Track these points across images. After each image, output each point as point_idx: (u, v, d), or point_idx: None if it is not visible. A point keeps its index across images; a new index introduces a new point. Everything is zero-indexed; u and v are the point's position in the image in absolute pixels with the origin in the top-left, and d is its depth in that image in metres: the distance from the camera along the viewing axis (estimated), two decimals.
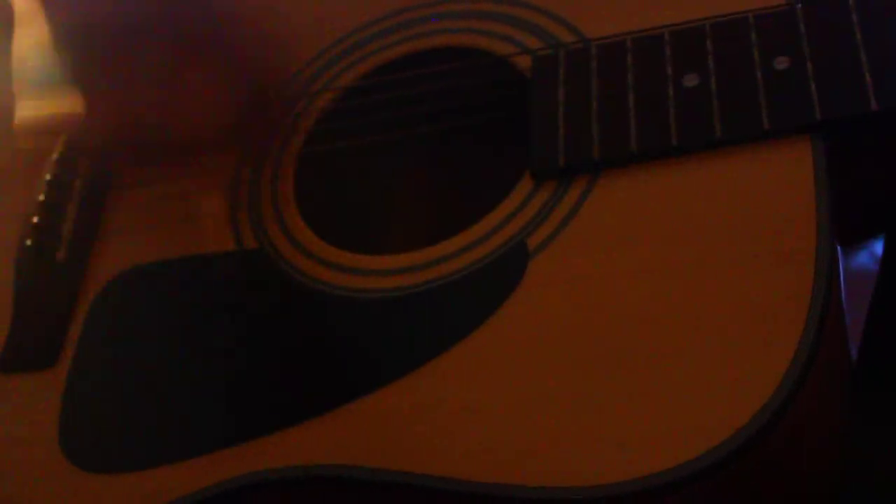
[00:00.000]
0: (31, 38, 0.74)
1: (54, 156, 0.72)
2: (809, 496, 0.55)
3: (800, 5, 0.59)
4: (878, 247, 0.77)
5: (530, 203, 0.59)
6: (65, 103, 0.70)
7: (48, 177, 0.71)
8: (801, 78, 0.57)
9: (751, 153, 0.56)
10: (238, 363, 0.60)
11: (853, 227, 0.64)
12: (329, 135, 0.68)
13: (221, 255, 0.65)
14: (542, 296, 0.55)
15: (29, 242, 0.69)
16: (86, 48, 0.64)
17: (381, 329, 0.58)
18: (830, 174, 0.54)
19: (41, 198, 0.70)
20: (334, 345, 0.59)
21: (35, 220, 0.69)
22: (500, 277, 0.57)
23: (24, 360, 0.65)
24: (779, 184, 0.55)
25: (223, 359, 0.61)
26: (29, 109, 0.74)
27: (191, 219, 0.67)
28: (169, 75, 0.63)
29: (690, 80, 0.59)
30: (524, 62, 0.65)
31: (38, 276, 0.68)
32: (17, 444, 0.63)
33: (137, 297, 0.66)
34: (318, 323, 0.60)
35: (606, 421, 0.51)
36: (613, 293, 0.54)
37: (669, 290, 0.53)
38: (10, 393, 0.65)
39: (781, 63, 0.58)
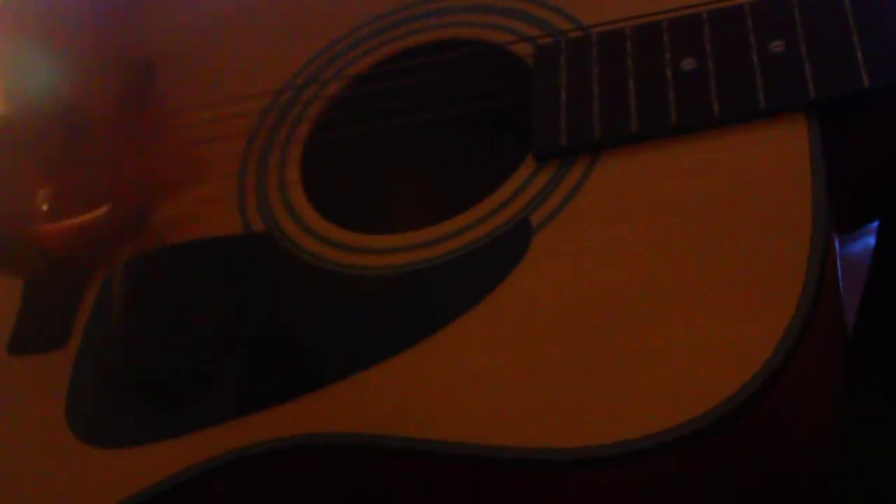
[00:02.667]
0: None
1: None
2: (802, 472, 0.56)
3: None
4: (871, 238, 0.79)
5: (533, 182, 0.61)
6: None
7: None
8: (796, 60, 0.58)
9: (748, 131, 0.58)
10: (247, 341, 0.61)
11: (847, 213, 0.65)
12: (336, 121, 0.70)
13: (229, 238, 0.66)
14: (545, 267, 0.57)
15: None
16: None
17: (388, 303, 0.59)
18: (826, 156, 0.56)
19: None
20: (342, 320, 0.60)
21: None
22: (504, 252, 0.58)
23: (34, 341, 0.66)
24: (775, 160, 0.56)
25: (232, 338, 0.62)
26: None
27: (198, 203, 0.68)
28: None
29: (688, 64, 0.60)
30: (525, 51, 0.66)
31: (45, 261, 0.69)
32: (25, 422, 0.64)
33: (145, 280, 0.67)
34: (326, 300, 0.61)
35: (606, 385, 0.52)
36: (615, 263, 0.55)
37: (669, 261, 0.55)
38: (20, 374, 0.66)
39: (777, 46, 0.59)
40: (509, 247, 0.58)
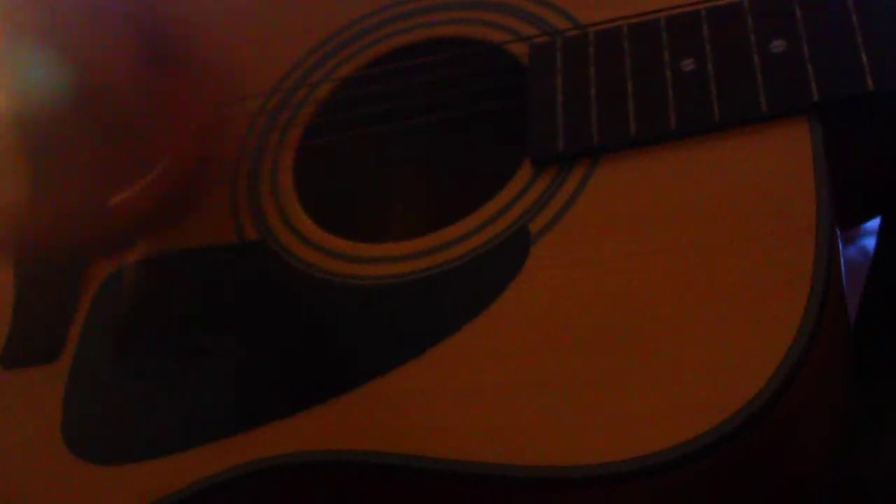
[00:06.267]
0: None
1: None
2: (811, 480, 0.56)
3: None
4: (868, 241, 0.78)
5: (531, 189, 0.60)
6: None
7: None
8: (798, 60, 0.57)
9: (749, 135, 0.57)
10: (241, 353, 0.61)
11: (849, 209, 0.65)
12: (328, 125, 0.69)
13: (222, 246, 0.65)
14: (544, 279, 0.56)
15: None
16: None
17: (385, 315, 0.58)
18: (828, 158, 0.55)
19: None
20: (338, 332, 0.59)
21: None
22: (502, 262, 0.57)
23: (27, 354, 0.66)
24: (778, 164, 0.55)
25: (226, 349, 0.61)
26: None
27: (191, 211, 0.67)
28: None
29: (687, 65, 0.59)
30: (521, 50, 0.65)
31: (38, 270, 0.68)
32: (20, 437, 0.63)
33: (139, 290, 0.66)
34: (321, 310, 0.60)
35: (610, 399, 0.51)
36: (615, 274, 0.54)
37: (671, 269, 0.54)
38: (13, 388, 0.65)
39: (778, 46, 0.58)
40: (508, 257, 0.57)
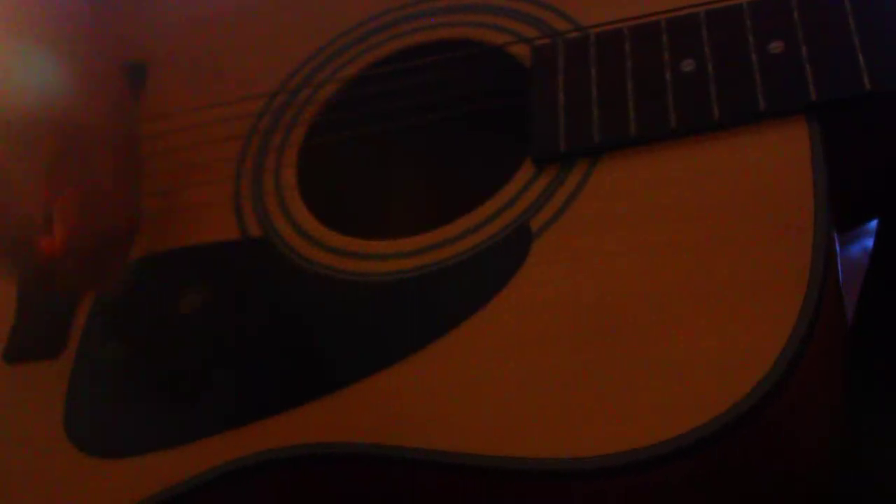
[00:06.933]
0: None
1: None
2: (810, 479, 0.56)
3: None
4: (870, 241, 0.79)
5: (532, 187, 0.60)
6: None
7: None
8: (796, 61, 0.58)
9: (748, 134, 0.57)
10: (244, 348, 0.61)
11: (847, 212, 0.65)
12: (331, 124, 0.69)
13: (226, 243, 0.66)
14: (545, 274, 0.56)
15: None
16: None
17: (387, 311, 0.59)
18: (826, 157, 0.56)
19: None
20: (340, 327, 0.59)
21: None
22: (504, 258, 0.58)
23: (30, 350, 0.66)
24: (776, 162, 0.56)
25: (229, 344, 0.62)
26: None
27: (194, 209, 0.68)
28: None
29: (687, 66, 0.60)
30: (523, 51, 0.66)
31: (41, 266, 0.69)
32: (23, 431, 0.63)
33: (142, 286, 0.66)
34: (324, 306, 0.61)
35: (608, 393, 0.52)
36: (615, 270, 0.55)
37: (670, 267, 0.54)
38: (16, 383, 0.65)
39: (776, 47, 0.59)
40: (509, 253, 0.58)
